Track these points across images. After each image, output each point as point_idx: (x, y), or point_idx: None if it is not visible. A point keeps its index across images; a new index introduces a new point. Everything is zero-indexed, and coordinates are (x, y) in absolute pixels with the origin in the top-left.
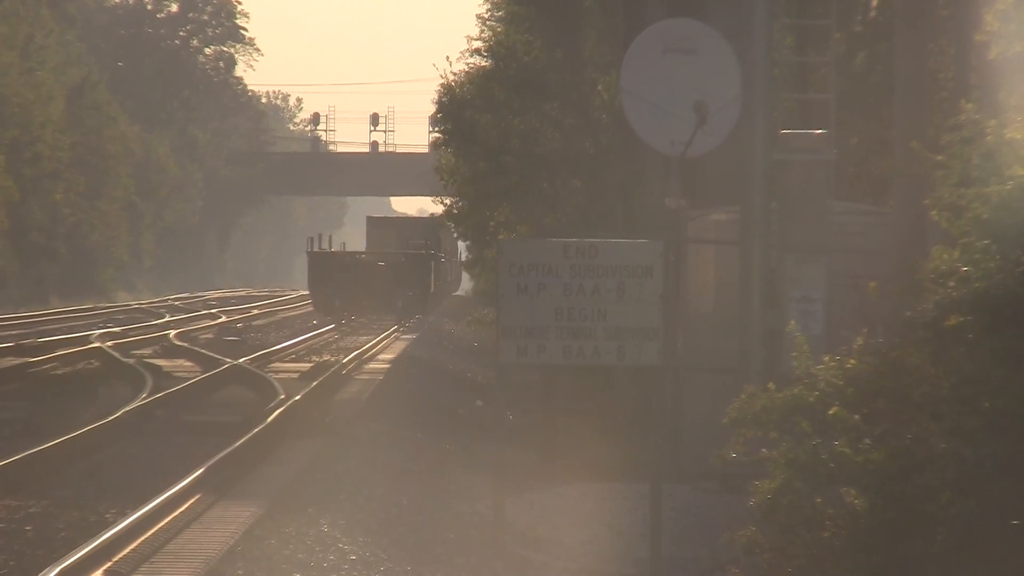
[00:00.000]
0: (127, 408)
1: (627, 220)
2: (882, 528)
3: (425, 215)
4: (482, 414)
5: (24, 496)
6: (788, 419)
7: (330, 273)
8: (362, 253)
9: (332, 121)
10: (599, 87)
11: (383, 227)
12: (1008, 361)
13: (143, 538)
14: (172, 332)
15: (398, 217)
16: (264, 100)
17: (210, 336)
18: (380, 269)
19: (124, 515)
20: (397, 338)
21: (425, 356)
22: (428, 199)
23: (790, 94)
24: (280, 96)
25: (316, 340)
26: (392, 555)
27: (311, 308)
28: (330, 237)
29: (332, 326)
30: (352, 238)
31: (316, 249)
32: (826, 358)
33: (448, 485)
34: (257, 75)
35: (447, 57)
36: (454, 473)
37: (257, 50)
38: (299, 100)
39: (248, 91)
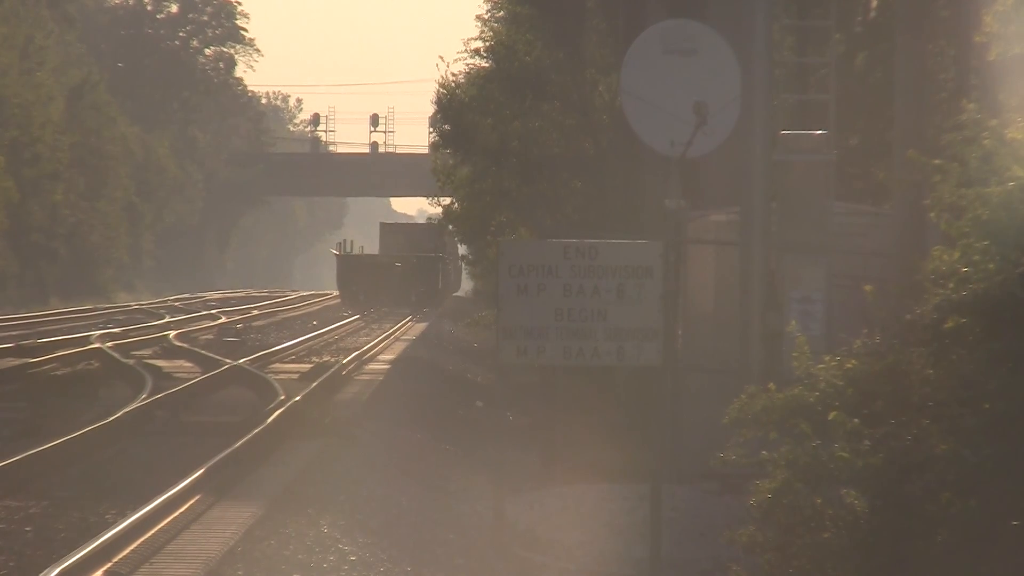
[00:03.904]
0: (127, 409)
1: (627, 221)
2: (882, 529)
3: (426, 216)
4: (482, 415)
5: (24, 497)
6: (788, 420)
7: (355, 272)
8: (382, 256)
9: (332, 122)
10: (600, 88)
11: (394, 232)
12: (1007, 363)
13: (143, 539)
14: (172, 333)
15: (407, 223)
16: (264, 101)
17: (210, 337)
18: (396, 269)
19: (124, 516)
20: (397, 339)
21: (425, 357)
22: (428, 200)
23: (790, 95)
24: (280, 97)
25: (316, 341)
26: (392, 556)
27: (311, 309)
28: (352, 242)
29: (332, 326)
30: (352, 239)
31: (343, 252)
32: (826, 358)
33: (448, 486)
34: (257, 76)
35: (441, 57)
36: (454, 474)
37: (257, 51)
38: (299, 101)
39: (248, 92)
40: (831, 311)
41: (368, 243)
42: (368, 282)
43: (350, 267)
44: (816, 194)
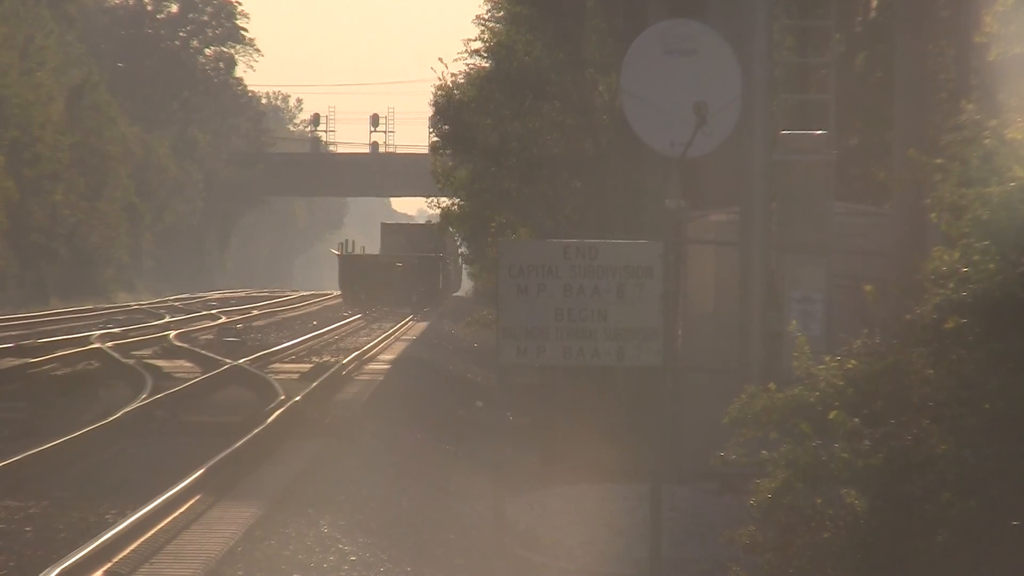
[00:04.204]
0: (127, 409)
1: (627, 221)
2: (882, 529)
3: (426, 216)
4: (482, 415)
5: (24, 497)
6: (788, 419)
7: (357, 272)
8: (383, 256)
9: (332, 122)
10: (600, 88)
11: (396, 232)
12: (1008, 363)
13: (143, 539)
14: (172, 333)
15: (408, 224)
16: (264, 101)
17: (210, 337)
18: (398, 269)
19: (124, 516)
20: (397, 339)
21: (425, 357)
22: (426, 204)
23: (790, 95)
24: (280, 97)
25: (316, 341)
26: (392, 556)
27: (311, 309)
28: (353, 242)
29: (332, 326)
30: (353, 239)
31: (346, 252)
32: (827, 358)
33: (448, 486)
34: (257, 76)
35: (440, 59)
36: (454, 474)
37: (257, 51)
38: (299, 101)
39: (248, 92)
40: (831, 311)
41: (368, 243)
42: (370, 282)
43: (352, 267)
44: (816, 194)
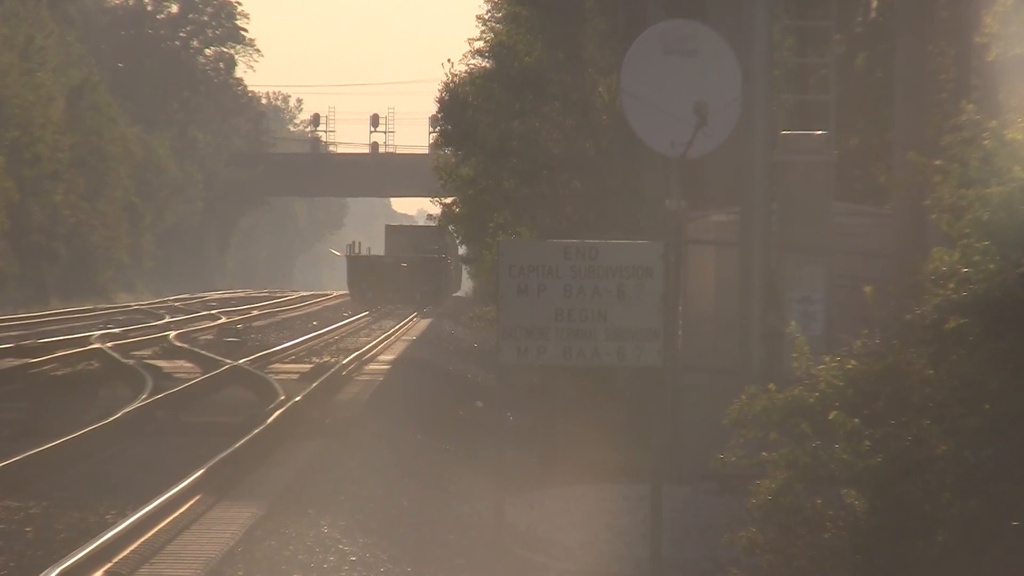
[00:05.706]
0: (127, 409)
1: (628, 221)
2: (882, 529)
3: (426, 216)
4: (482, 415)
5: (24, 497)
6: (788, 420)
7: (364, 272)
8: (388, 256)
9: (332, 122)
10: (600, 88)
11: (399, 234)
12: (1008, 364)
13: (143, 539)
14: (172, 333)
15: (411, 225)
16: (264, 101)
17: (210, 337)
18: (403, 269)
19: (124, 516)
20: (397, 339)
21: (425, 357)
22: (428, 200)
23: (790, 95)
24: (280, 97)
25: (316, 341)
26: (392, 556)
27: (311, 309)
28: (360, 243)
29: (332, 327)
30: (353, 239)
31: (353, 253)
32: (827, 359)
33: (448, 486)
34: (257, 76)
35: (448, 59)
36: (454, 474)
37: (257, 51)
38: (299, 101)
39: (248, 92)
40: (831, 311)
41: (369, 243)
42: (376, 281)
43: (360, 267)
44: (816, 194)
